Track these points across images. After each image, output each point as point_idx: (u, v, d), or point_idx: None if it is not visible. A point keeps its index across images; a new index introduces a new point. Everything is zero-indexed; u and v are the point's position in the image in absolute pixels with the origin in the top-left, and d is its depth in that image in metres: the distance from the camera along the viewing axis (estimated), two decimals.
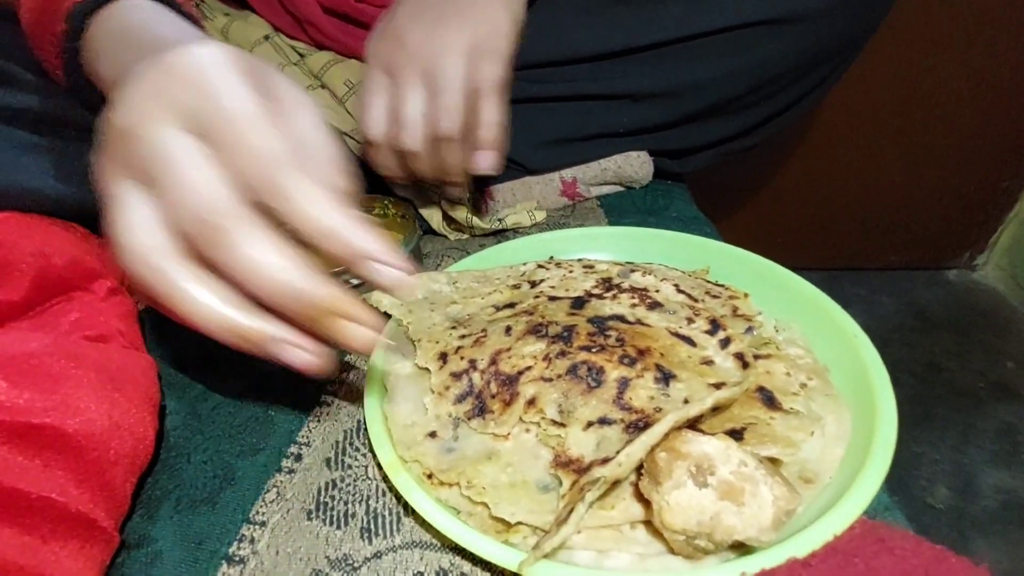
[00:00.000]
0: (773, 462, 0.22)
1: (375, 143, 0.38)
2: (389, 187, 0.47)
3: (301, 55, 0.48)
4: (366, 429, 0.28)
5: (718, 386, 0.25)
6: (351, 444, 0.29)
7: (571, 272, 0.36)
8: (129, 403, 0.26)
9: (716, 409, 0.24)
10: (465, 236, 0.47)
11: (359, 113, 0.37)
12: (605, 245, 0.40)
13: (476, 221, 0.45)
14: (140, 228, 0.21)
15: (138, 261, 0.21)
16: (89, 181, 0.37)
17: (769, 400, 0.25)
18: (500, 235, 0.47)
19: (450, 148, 0.37)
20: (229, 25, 0.48)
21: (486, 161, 0.38)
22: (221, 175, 0.20)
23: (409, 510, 0.25)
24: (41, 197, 0.35)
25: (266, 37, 0.48)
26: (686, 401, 0.24)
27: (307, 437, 0.30)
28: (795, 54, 0.41)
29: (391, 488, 0.26)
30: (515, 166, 0.49)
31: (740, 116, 0.46)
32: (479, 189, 0.49)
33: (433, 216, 0.47)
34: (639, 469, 0.22)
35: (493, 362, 0.28)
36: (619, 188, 0.51)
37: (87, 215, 0.37)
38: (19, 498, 0.20)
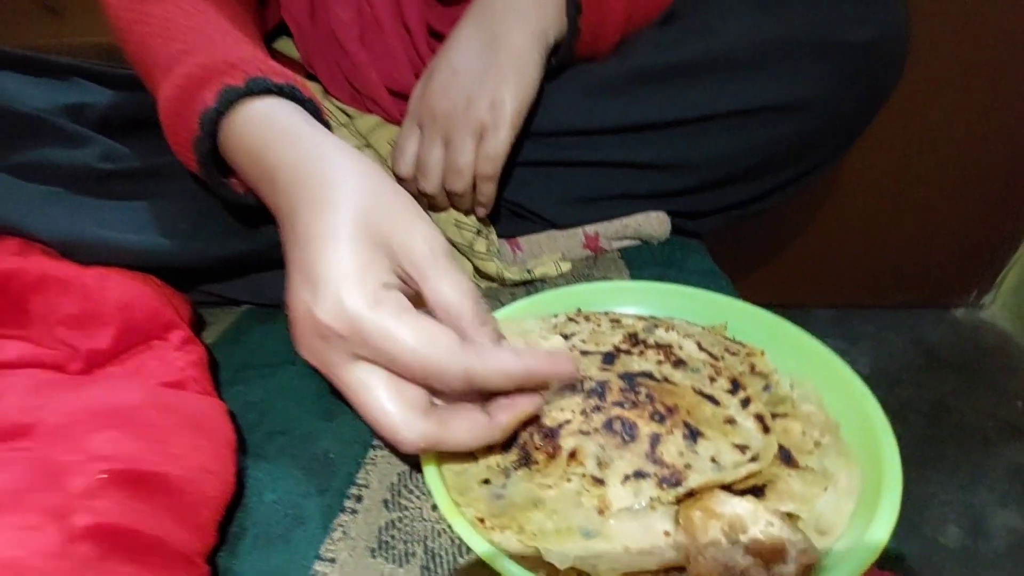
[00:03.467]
0: (791, 517, 0.25)
1: (402, 178, 0.47)
2: None
3: (349, 116, 0.53)
4: (420, 472, 0.31)
5: (742, 448, 0.28)
6: (405, 487, 0.32)
7: (599, 326, 0.40)
8: (213, 447, 0.30)
9: None
10: (495, 285, 0.51)
11: (393, 152, 0.48)
12: (630, 299, 0.43)
13: (506, 273, 0.49)
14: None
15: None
16: (168, 231, 0.41)
17: (787, 458, 0.28)
18: (529, 285, 0.50)
19: (458, 200, 0.47)
20: None
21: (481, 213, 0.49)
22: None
23: (465, 550, 0.28)
24: (125, 251, 0.38)
25: None
26: (713, 460, 0.27)
27: (365, 479, 0.33)
28: (803, 133, 0.45)
29: (446, 529, 0.29)
30: (542, 221, 0.52)
31: (753, 184, 0.49)
32: (507, 239, 0.53)
33: (464, 267, 0.50)
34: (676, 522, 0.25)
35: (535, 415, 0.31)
36: (638, 242, 0.54)
37: (164, 266, 0.41)
38: (138, 538, 0.23)
